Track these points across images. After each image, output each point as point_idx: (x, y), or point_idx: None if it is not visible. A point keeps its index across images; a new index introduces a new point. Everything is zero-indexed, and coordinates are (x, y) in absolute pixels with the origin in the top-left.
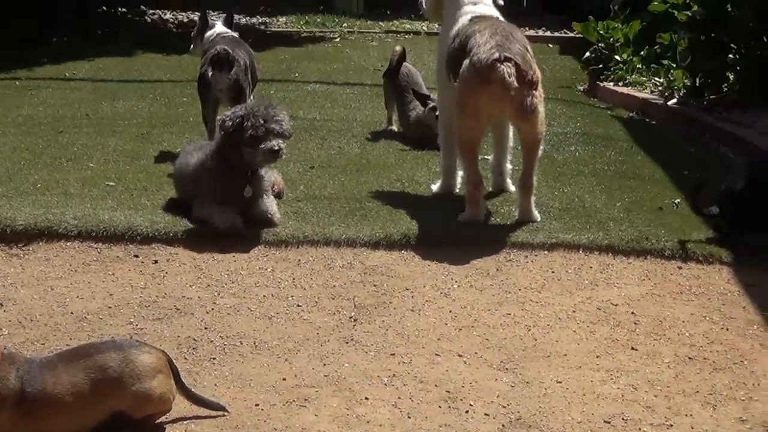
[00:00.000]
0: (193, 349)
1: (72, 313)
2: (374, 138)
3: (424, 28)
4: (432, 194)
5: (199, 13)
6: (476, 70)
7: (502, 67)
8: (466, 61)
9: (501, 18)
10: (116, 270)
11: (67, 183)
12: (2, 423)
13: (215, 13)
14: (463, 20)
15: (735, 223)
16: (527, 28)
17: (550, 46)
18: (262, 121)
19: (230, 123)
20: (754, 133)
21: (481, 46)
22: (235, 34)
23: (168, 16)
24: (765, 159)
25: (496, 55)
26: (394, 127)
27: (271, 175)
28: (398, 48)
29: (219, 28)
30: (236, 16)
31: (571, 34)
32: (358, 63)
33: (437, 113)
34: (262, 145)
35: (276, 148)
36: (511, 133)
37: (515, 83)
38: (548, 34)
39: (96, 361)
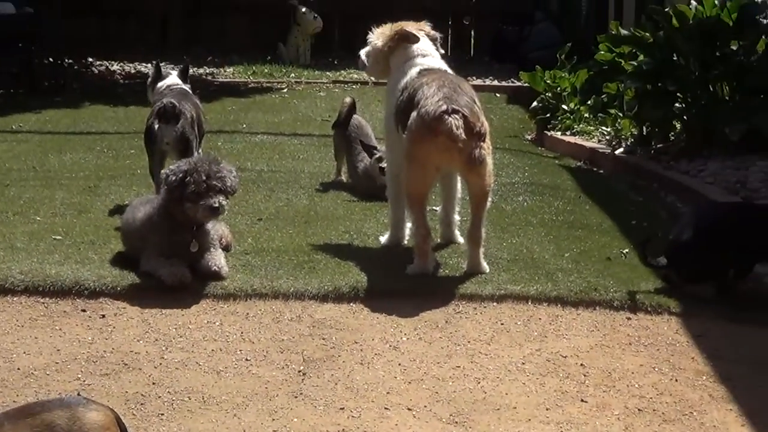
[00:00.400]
0: (141, 405)
1: (18, 369)
2: (323, 189)
3: (372, 78)
4: (381, 246)
5: (146, 64)
6: (424, 122)
7: (450, 119)
8: (414, 114)
9: (449, 70)
10: (63, 325)
11: (13, 237)
12: None
13: (169, 64)
14: (412, 73)
15: (683, 273)
16: (474, 78)
17: (498, 95)
18: (204, 177)
19: (173, 178)
20: (701, 182)
21: (429, 98)
22: (186, 87)
23: (115, 67)
24: (711, 208)
25: (444, 107)
26: (343, 178)
27: (218, 228)
28: (348, 99)
29: (170, 79)
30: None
31: (518, 84)
32: (306, 113)
33: (382, 164)
34: (203, 202)
35: (216, 205)
36: (459, 185)
37: (463, 135)
38: (495, 83)
39: (43, 420)
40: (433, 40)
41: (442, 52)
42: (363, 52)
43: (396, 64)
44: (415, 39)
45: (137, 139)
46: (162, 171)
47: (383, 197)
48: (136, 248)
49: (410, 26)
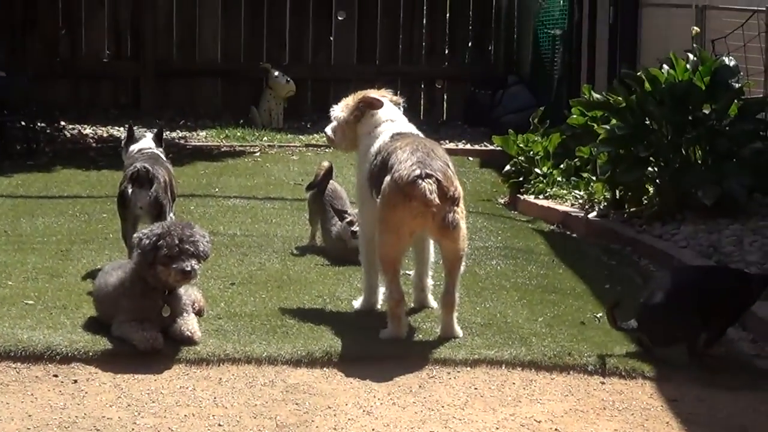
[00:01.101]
0: None
1: None
2: (296, 253)
3: (341, 150)
4: (354, 311)
5: (119, 128)
6: (398, 186)
7: (424, 183)
8: (388, 178)
9: (420, 134)
10: (35, 390)
11: None
12: None
13: (141, 127)
14: (384, 137)
15: (653, 337)
16: (447, 141)
17: (471, 159)
18: (177, 241)
19: (147, 241)
20: (674, 246)
21: (402, 162)
22: (159, 150)
23: (88, 130)
24: (682, 271)
25: (417, 171)
26: (317, 242)
27: (191, 293)
28: (326, 163)
29: (143, 143)
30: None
31: (491, 147)
32: (279, 177)
33: (354, 228)
34: (175, 265)
35: (188, 269)
36: (432, 249)
37: (437, 200)
38: (468, 147)
39: None
40: (396, 104)
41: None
42: (329, 129)
43: (364, 131)
44: (380, 104)
45: (110, 203)
46: (134, 234)
47: (356, 261)
48: (108, 313)
49: (372, 93)
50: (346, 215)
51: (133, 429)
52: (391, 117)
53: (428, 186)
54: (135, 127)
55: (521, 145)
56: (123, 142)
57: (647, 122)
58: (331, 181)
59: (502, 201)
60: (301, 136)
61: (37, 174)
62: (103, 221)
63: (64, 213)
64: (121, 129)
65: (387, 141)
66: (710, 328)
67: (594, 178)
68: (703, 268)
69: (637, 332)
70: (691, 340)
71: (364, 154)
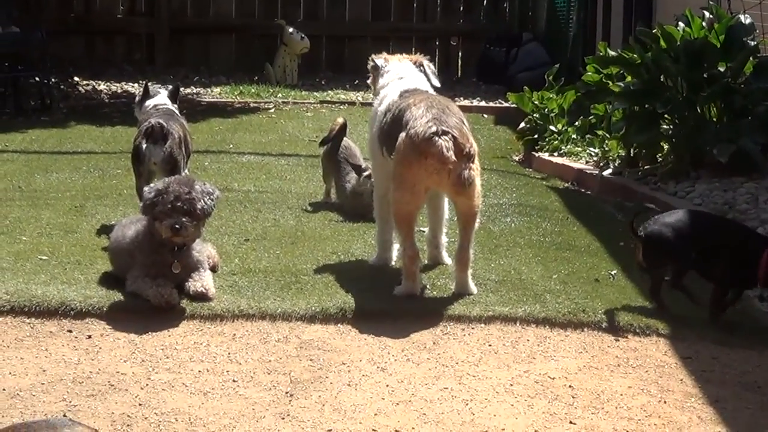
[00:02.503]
0: (128, 426)
1: (4, 389)
2: (310, 210)
3: (359, 98)
4: (368, 267)
5: (133, 84)
6: (413, 143)
7: (440, 140)
8: (403, 135)
9: (430, 90)
10: (49, 345)
11: None
12: None
13: (155, 83)
14: (392, 95)
15: (647, 252)
16: (461, 99)
17: (485, 116)
18: (172, 198)
19: (148, 196)
20: (689, 204)
21: (417, 119)
22: (173, 107)
23: (102, 86)
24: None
25: (434, 128)
26: (332, 199)
27: (205, 249)
28: (340, 119)
29: (158, 99)
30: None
31: (505, 105)
32: (293, 134)
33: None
34: (166, 221)
35: (177, 226)
36: (447, 206)
37: (453, 157)
38: (483, 104)
39: None
40: (417, 63)
41: (432, 77)
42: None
43: (378, 90)
44: (381, 69)
45: (124, 159)
46: (144, 188)
47: (371, 217)
48: (123, 267)
49: (394, 56)
50: (364, 170)
51: (147, 384)
52: (400, 75)
53: (445, 143)
54: (150, 84)
55: (536, 103)
56: (137, 98)
57: (662, 79)
58: (344, 138)
59: (516, 158)
60: (315, 93)
61: (51, 130)
62: (117, 177)
63: (78, 169)
64: (135, 85)
65: (396, 99)
66: (714, 280)
67: (608, 135)
68: (714, 216)
69: (642, 240)
70: (677, 266)
71: (374, 112)
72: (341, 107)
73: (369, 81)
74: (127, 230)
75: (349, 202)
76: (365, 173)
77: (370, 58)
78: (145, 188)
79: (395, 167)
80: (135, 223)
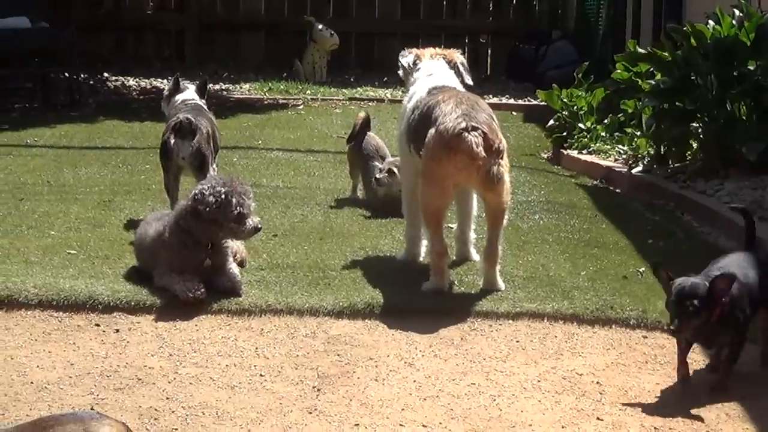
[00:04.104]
0: (155, 419)
1: (32, 382)
2: (338, 206)
3: (387, 95)
4: (396, 263)
5: (162, 80)
6: (443, 139)
7: (470, 136)
8: (432, 131)
9: (460, 87)
10: (77, 339)
11: (27, 251)
12: None
13: (185, 79)
14: (421, 92)
15: None
16: (490, 96)
17: (514, 113)
18: (245, 199)
19: (213, 199)
20: (718, 202)
21: (447, 115)
22: (202, 102)
23: (131, 82)
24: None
25: (463, 124)
26: (359, 195)
27: (233, 244)
28: (362, 114)
29: (187, 94)
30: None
31: (534, 102)
32: (322, 130)
33: (378, 175)
34: (249, 221)
35: (260, 225)
36: (475, 202)
37: (482, 153)
38: (512, 101)
39: None
40: (450, 62)
41: (465, 74)
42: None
43: (408, 86)
44: (412, 65)
45: (152, 154)
46: (195, 190)
47: (399, 213)
48: (149, 263)
49: (427, 50)
50: (381, 169)
51: (174, 378)
52: (429, 72)
53: (474, 139)
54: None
55: (565, 100)
56: (166, 93)
57: (692, 77)
58: (373, 136)
59: (545, 156)
60: (344, 90)
61: (81, 125)
62: (146, 172)
63: (106, 164)
64: (165, 81)
65: (424, 96)
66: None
67: (638, 133)
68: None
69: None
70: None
71: (403, 109)
72: (370, 104)
73: (401, 74)
74: (149, 228)
75: (375, 199)
76: (382, 172)
77: (402, 53)
78: (200, 190)
79: (424, 163)
80: (158, 219)
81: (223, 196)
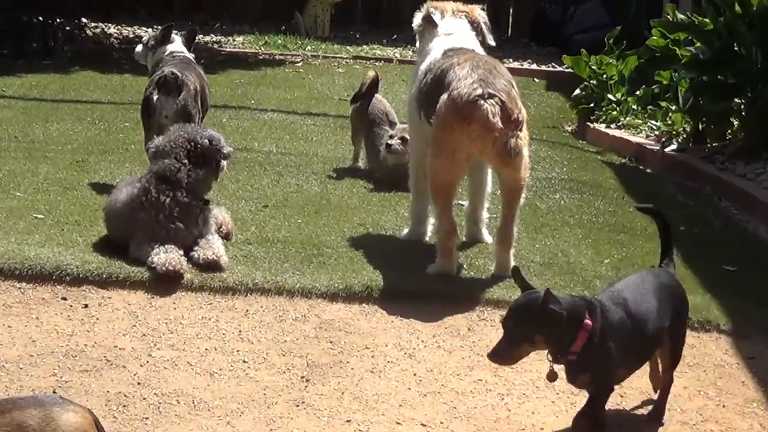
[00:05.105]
0: (124, 407)
1: None
2: (337, 176)
3: (396, 55)
4: (399, 242)
5: (146, 29)
6: (456, 106)
7: (486, 104)
8: (444, 96)
9: (480, 50)
10: (41, 314)
11: None
12: None
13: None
14: (435, 53)
15: None
16: (510, 60)
17: (536, 80)
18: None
19: (206, 140)
20: (758, 187)
21: (461, 80)
22: (191, 55)
23: (112, 30)
24: None
25: (479, 90)
26: (361, 165)
27: (217, 214)
28: (371, 73)
29: (175, 45)
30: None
31: (559, 69)
32: (322, 91)
33: (391, 141)
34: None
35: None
36: (489, 178)
37: (499, 123)
38: (534, 67)
39: (13, 418)
40: (473, 23)
41: (488, 34)
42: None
43: (422, 45)
44: (435, 22)
45: (133, 110)
46: (179, 135)
47: (405, 187)
48: (122, 232)
49: (447, 5)
50: (391, 136)
51: (147, 361)
52: (448, 31)
53: (491, 107)
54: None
55: (594, 68)
56: (151, 42)
57: (735, 48)
58: (381, 100)
59: (569, 129)
60: (348, 47)
61: (54, 75)
62: (125, 130)
63: (81, 119)
64: (149, 30)
65: (438, 58)
66: None
67: (673, 107)
68: None
69: None
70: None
71: (415, 72)
72: (376, 64)
73: (415, 29)
74: (125, 191)
75: (381, 169)
76: (394, 138)
77: (424, 7)
78: (211, 133)
79: (434, 132)
80: (132, 183)
81: (212, 134)
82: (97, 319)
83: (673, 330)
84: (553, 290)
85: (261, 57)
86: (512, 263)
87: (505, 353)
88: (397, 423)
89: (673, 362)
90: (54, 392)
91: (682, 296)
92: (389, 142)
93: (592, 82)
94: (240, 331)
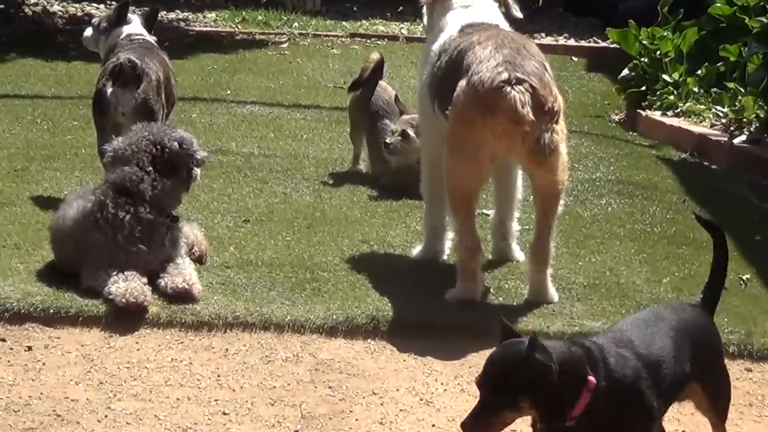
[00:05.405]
0: None
1: None
2: (334, 182)
3: (403, 31)
4: (411, 262)
5: (97, 5)
6: (477, 95)
7: (513, 91)
8: (463, 83)
9: (504, 25)
10: None
11: None
12: None
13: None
14: (451, 30)
15: None
16: (543, 35)
17: (574, 59)
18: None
19: (176, 144)
20: None
21: (483, 62)
22: (152, 38)
23: (56, 7)
24: None
25: (505, 75)
26: (363, 168)
27: (188, 232)
28: (375, 55)
29: (132, 27)
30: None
31: (603, 44)
32: (314, 78)
33: (389, 140)
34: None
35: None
36: (520, 181)
37: (530, 114)
38: (571, 43)
39: None
40: None
41: (513, 5)
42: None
43: (434, 21)
44: None
45: (83, 106)
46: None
47: (417, 194)
48: (72, 257)
49: None
50: (393, 131)
51: (106, 416)
52: (465, 2)
53: (519, 95)
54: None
55: (645, 43)
56: (103, 24)
57: None
58: (381, 83)
59: (616, 118)
60: (344, 23)
61: None
62: (73, 131)
63: (20, 118)
64: (101, 7)
65: (454, 36)
66: None
67: (742, 89)
68: None
69: None
70: None
71: (426, 53)
72: (379, 43)
73: (423, 2)
74: (75, 207)
75: (386, 172)
76: (394, 135)
77: None
78: (149, 137)
79: (452, 127)
80: (87, 196)
81: (182, 136)
82: (44, 364)
83: (703, 378)
84: (540, 337)
85: (238, 37)
86: (550, 286)
87: (481, 424)
88: None
89: (717, 415)
90: None
91: (711, 337)
92: (387, 139)
93: (642, 60)
94: (218, 376)
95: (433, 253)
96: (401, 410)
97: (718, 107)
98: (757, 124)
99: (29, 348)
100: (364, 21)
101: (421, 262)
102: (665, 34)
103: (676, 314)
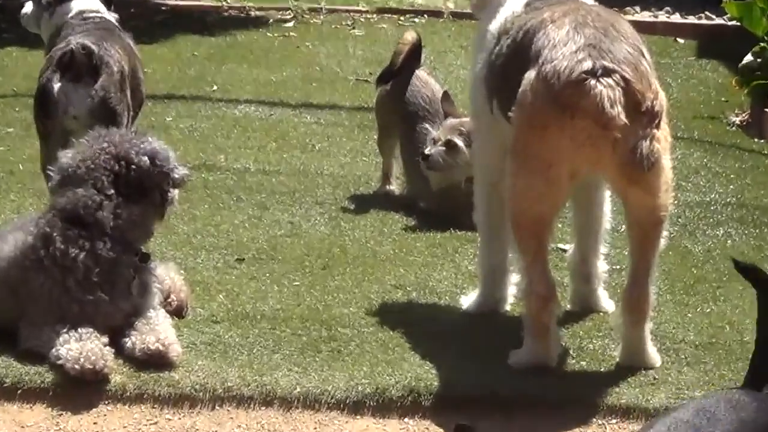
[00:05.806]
0: None
1: None
2: (356, 207)
3: (449, 4)
4: (462, 315)
5: None
6: (550, 90)
7: (599, 86)
8: (531, 74)
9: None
10: None
11: None
12: None
13: None
14: (513, 4)
15: None
16: (636, 9)
17: (680, 41)
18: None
19: (145, 158)
20: None
21: (558, 47)
22: (112, 16)
23: None
24: None
25: (589, 63)
26: (395, 188)
27: (164, 275)
28: (409, 36)
29: (84, 2)
30: None
31: (718, 21)
32: (328, 67)
33: (428, 150)
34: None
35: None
36: (608, 207)
37: (622, 116)
38: (676, 20)
39: None
40: None
41: None
42: None
43: None
44: None
45: (20, 107)
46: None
47: (469, 223)
48: (8, 308)
49: None
50: (435, 139)
51: None
52: None
53: (607, 91)
54: None
55: None
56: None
57: None
58: (419, 72)
59: (736, 120)
60: None
61: None
62: (7, 140)
63: None
64: None
65: (519, 12)
66: None
67: None
68: None
69: None
70: None
71: (480, 36)
72: (416, 21)
73: None
74: (11, 243)
75: (427, 193)
76: (436, 144)
77: None
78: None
79: (517, 133)
80: (27, 227)
81: (154, 148)
82: None
83: None
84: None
85: (227, 14)
86: (649, 346)
87: None
88: None
89: None
90: None
91: None
92: (427, 150)
93: None
94: None
95: (492, 302)
96: None
97: None
98: None
99: None
100: None
101: (475, 315)
102: None
103: (734, 413)
